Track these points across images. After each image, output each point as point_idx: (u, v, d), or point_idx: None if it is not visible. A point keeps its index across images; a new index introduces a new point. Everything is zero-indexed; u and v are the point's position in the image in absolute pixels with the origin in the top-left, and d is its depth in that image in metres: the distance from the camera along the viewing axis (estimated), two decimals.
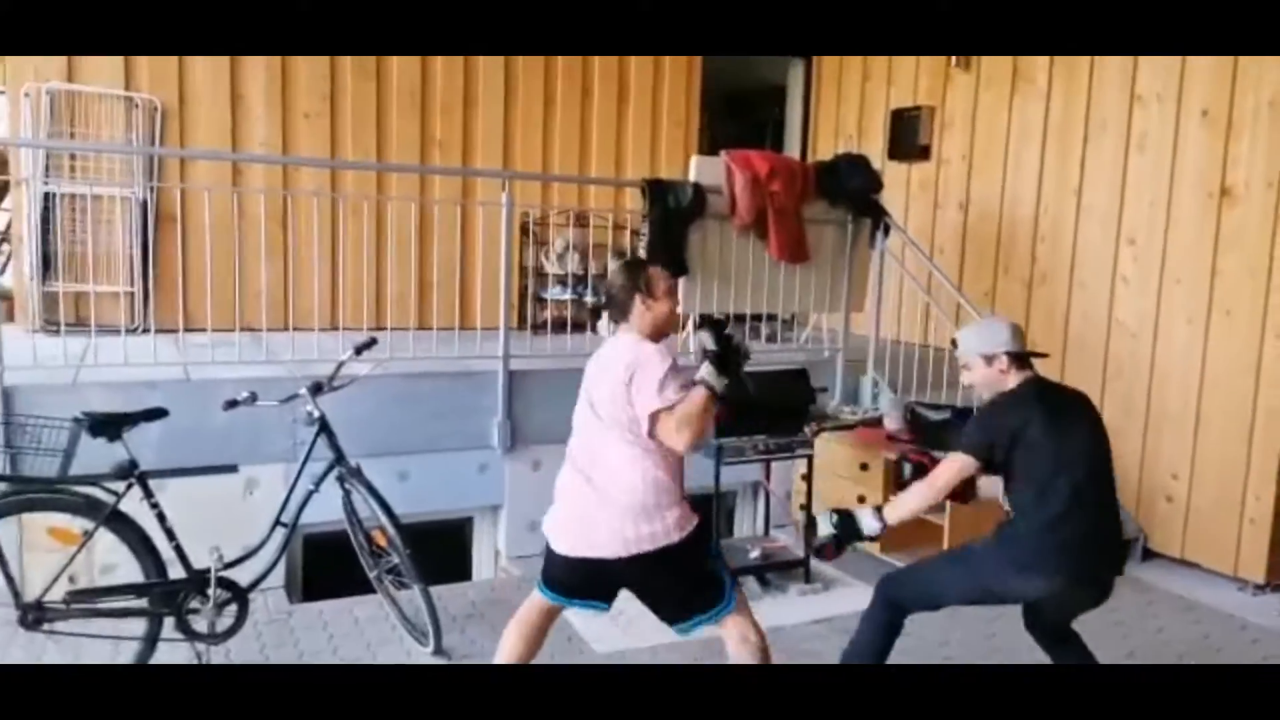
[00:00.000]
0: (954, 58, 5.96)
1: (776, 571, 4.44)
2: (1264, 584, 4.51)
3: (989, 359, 2.86)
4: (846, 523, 2.88)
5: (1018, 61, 5.65)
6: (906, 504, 2.89)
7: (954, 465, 2.83)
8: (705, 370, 2.57)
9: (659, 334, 2.68)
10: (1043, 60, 5.50)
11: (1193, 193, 4.79)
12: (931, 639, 3.86)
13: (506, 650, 2.77)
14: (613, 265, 2.64)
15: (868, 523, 2.86)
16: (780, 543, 4.67)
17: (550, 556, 2.76)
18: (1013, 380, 2.86)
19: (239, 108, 5.55)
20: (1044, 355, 3.07)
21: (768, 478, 4.80)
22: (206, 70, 5.47)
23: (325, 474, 3.49)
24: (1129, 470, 5.09)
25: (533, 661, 2.84)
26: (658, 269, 2.76)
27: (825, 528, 2.90)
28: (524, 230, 5.88)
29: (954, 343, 3.09)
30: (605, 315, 2.53)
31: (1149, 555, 4.98)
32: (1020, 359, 2.88)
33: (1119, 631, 4.13)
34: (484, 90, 6.12)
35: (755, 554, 4.46)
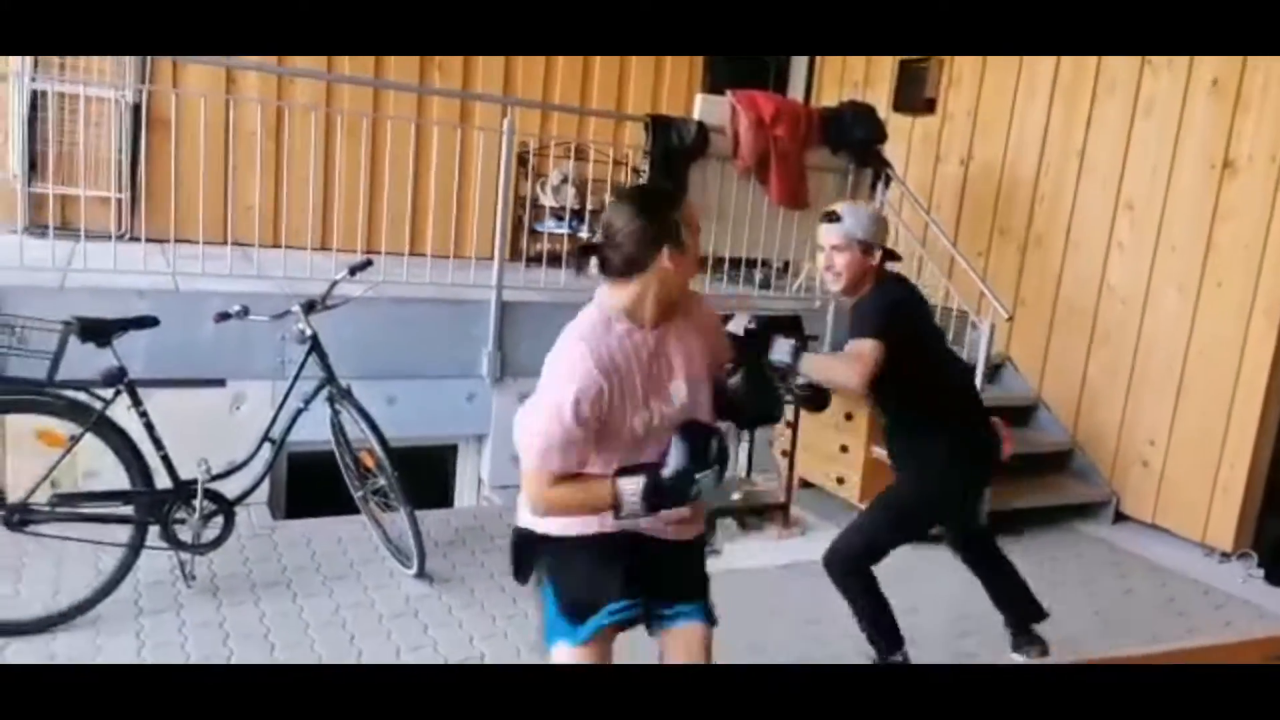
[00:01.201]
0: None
1: (757, 515, 4.50)
2: (1230, 551, 4.62)
3: (867, 248, 2.75)
4: (757, 341, 2.54)
5: None
6: (828, 366, 2.72)
7: (877, 349, 2.62)
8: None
9: (667, 301, 1.96)
10: None
11: (1195, 162, 4.78)
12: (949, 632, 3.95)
13: None
14: (623, 198, 2.05)
15: (779, 348, 2.59)
16: (761, 486, 4.73)
17: None
18: (871, 280, 2.80)
19: None
20: (899, 258, 2.94)
21: None
22: None
23: (315, 393, 3.49)
24: (1107, 434, 5.17)
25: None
26: (692, 204, 2.02)
27: (739, 322, 2.52)
28: (521, 160, 5.79)
29: (831, 215, 2.79)
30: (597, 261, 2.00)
31: (1120, 518, 5.08)
32: (890, 257, 2.85)
33: (1086, 590, 4.24)
34: None
35: (737, 496, 4.51)
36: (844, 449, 4.74)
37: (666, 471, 1.89)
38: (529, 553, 2.10)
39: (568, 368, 1.88)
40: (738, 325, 2.46)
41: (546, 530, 2.05)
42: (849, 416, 4.80)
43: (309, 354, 3.47)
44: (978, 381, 4.76)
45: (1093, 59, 5.24)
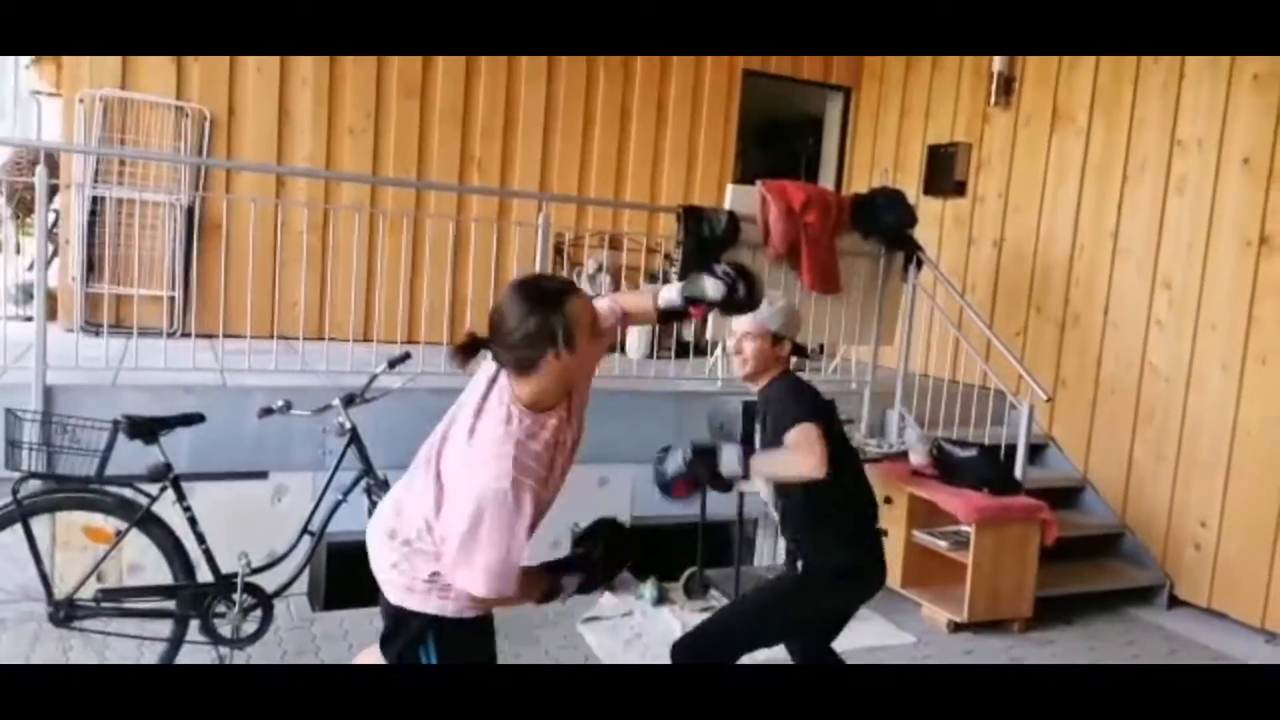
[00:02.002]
0: (993, 95, 5.96)
1: None
2: None
3: (777, 339, 2.78)
4: (704, 459, 2.48)
5: (1057, 100, 5.65)
6: (783, 463, 2.53)
7: (817, 428, 2.51)
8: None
9: (568, 388, 2.03)
10: (1083, 99, 5.49)
11: (1231, 239, 4.76)
12: None
13: None
14: (514, 291, 2.03)
15: (727, 460, 2.45)
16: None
17: None
18: (778, 369, 2.81)
19: (285, 122, 5.68)
20: (806, 355, 2.98)
21: None
22: (256, 83, 5.60)
23: (354, 484, 3.54)
24: (1158, 516, 5.03)
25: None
26: (584, 299, 2.01)
27: (676, 463, 2.51)
28: (558, 250, 5.94)
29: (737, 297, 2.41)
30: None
31: (1175, 603, 4.91)
32: (797, 351, 2.90)
33: None
34: (524, 112, 6.21)
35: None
36: (883, 533, 4.65)
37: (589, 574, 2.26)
38: (420, 633, 2.15)
39: (500, 493, 1.92)
40: (675, 463, 2.52)
41: (442, 612, 2.10)
42: (888, 500, 4.74)
43: (348, 446, 3.54)
44: (1018, 464, 4.70)
45: (1121, 139, 5.28)
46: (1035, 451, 5.30)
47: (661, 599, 4.44)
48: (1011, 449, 4.76)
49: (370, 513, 3.64)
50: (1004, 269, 5.97)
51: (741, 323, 2.76)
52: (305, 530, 3.48)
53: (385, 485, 3.56)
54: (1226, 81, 4.78)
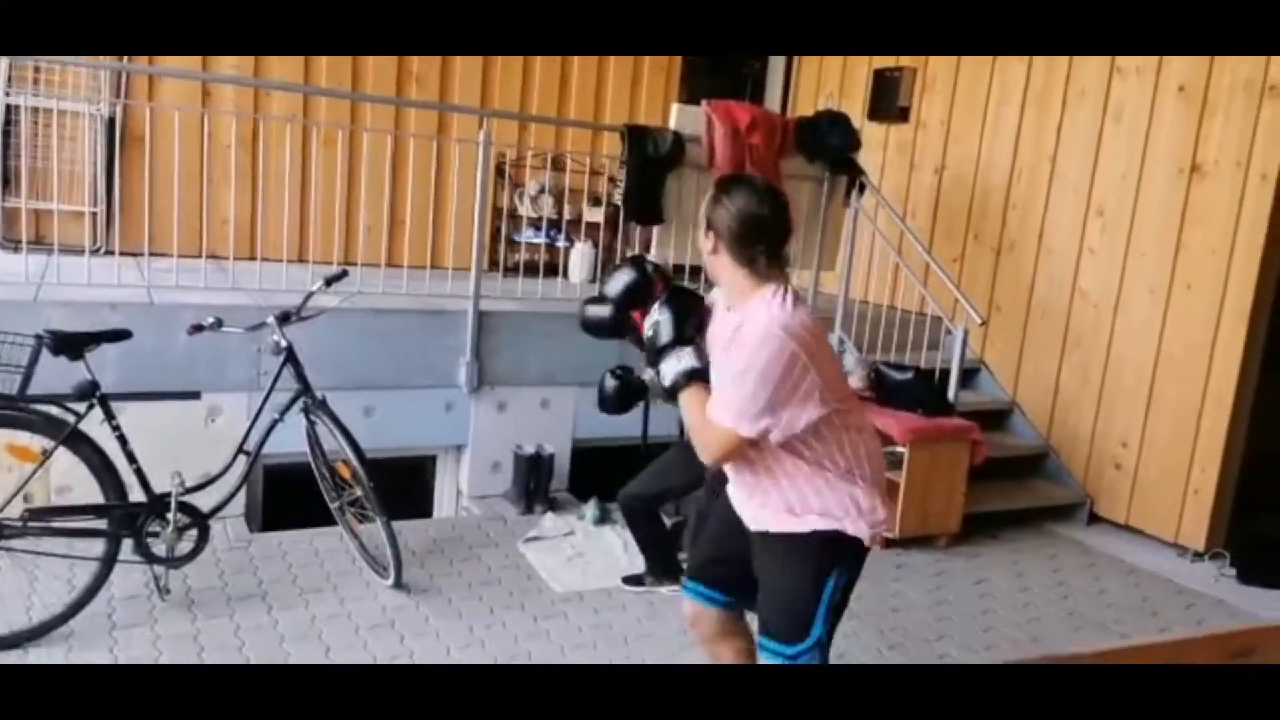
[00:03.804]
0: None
1: None
2: (1202, 551, 4.68)
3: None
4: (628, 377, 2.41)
5: None
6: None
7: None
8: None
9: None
10: None
11: (1164, 166, 4.85)
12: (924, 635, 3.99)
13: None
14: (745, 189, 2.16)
15: (669, 366, 2.16)
16: None
17: None
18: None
19: None
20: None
21: None
22: None
23: (290, 404, 3.49)
24: (1081, 437, 5.22)
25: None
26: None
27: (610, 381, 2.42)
28: (499, 171, 5.82)
29: None
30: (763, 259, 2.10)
31: (1095, 519, 5.13)
32: None
33: (1059, 590, 4.28)
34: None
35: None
36: None
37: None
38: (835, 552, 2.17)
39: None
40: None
41: (857, 533, 2.15)
42: None
43: (284, 365, 3.47)
44: (951, 387, 4.82)
45: (1063, 66, 5.31)
46: (968, 375, 5.43)
47: (603, 518, 4.50)
48: (946, 373, 4.87)
49: (308, 433, 3.60)
50: (944, 195, 6.03)
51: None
52: (240, 450, 3.43)
53: (323, 405, 3.52)
54: None
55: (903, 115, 6.25)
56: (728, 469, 2.28)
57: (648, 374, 2.32)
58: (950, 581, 4.23)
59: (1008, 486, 5.13)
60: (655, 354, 2.18)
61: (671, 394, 2.16)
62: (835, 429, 2.12)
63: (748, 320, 2.07)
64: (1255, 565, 4.46)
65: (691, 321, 2.20)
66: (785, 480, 2.15)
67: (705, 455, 2.12)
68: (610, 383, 2.42)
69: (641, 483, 3.78)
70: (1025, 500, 5.08)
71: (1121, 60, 5.04)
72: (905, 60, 6.22)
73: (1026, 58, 5.50)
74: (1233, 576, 4.48)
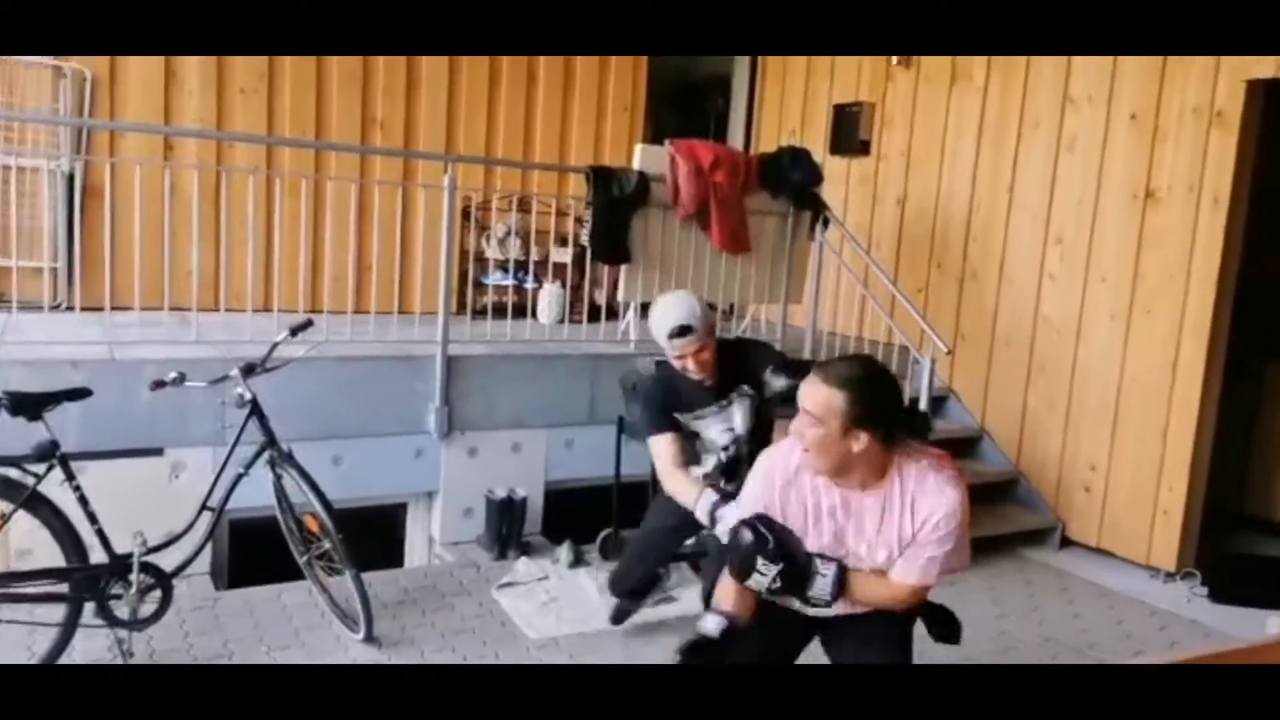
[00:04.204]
0: (895, 56, 6.04)
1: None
2: (1174, 572, 4.71)
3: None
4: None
5: (956, 59, 5.76)
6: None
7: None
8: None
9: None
10: (980, 58, 5.61)
11: (1119, 194, 4.95)
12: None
13: None
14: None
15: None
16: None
17: None
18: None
19: (171, 82, 5.41)
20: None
21: None
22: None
23: (255, 458, 3.44)
24: (1050, 462, 5.26)
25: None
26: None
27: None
28: (465, 214, 5.84)
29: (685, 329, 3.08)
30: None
31: (1066, 543, 5.16)
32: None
33: (1035, 615, 4.29)
34: (427, 72, 6.04)
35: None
36: None
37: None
38: None
39: None
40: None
41: None
42: None
43: (249, 418, 3.43)
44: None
45: (1016, 97, 5.43)
46: (937, 403, 5.48)
47: (577, 561, 4.46)
48: (915, 401, 4.90)
49: (275, 486, 3.56)
50: (907, 226, 6.11)
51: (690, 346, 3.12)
52: (204, 507, 3.37)
53: (289, 458, 3.49)
54: None
55: (864, 149, 6.34)
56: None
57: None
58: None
59: (980, 513, 5.09)
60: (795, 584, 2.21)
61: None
62: None
63: (917, 493, 2.17)
64: (1226, 584, 4.50)
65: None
66: None
67: (901, 608, 2.31)
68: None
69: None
70: (998, 526, 5.10)
71: (1074, 90, 5.16)
72: (864, 95, 6.33)
73: (980, 92, 5.61)
74: (1204, 596, 4.51)
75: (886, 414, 2.12)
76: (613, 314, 5.75)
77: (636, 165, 5.13)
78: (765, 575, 2.14)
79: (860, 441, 2.08)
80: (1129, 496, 4.90)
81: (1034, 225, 5.35)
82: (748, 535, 2.15)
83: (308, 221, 4.71)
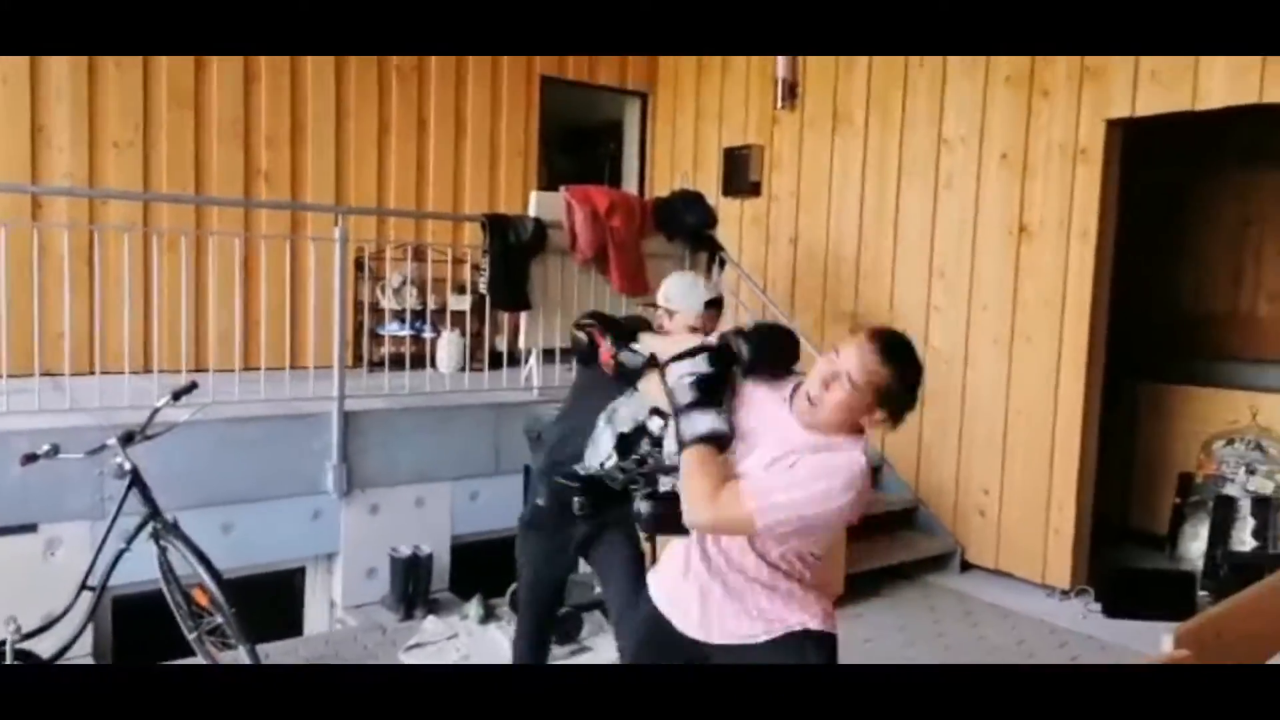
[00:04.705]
0: (779, 99, 6.22)
1: None
2: (1069, 590, 4.89)
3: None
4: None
5: (837, 103, 5.97)
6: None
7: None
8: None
9: None
10: (860, 101, 5.83)
11: (995, 228, 5.19)
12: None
13: None
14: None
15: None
16: None
17: None
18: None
19: (39, 137, 5.15)
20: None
21: None
22: (2, 95, 5.05)
23: (138, 531, 3.27)
24: (946, 488, 5.43)
25: None
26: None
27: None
28: (358, 265, 5.71)
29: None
30: None
31: (966, 567, 5.31)
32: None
33: (942, 641, 4.38)
34: (312, 120, 5.92)
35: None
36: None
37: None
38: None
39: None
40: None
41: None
42: None
43: (129, 489, 3.26)
44: None
45: (895, 139, 5.65)
46: None
47: (488, 616, 4.35)
48: None
49: (160, 560, 3.37)
50: (800, 264, 6.26)
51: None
52: (84, 585, 3.18)
53: (174, 528, 3.31)
54: (983, 83, 5.21)
55: (755, 190, 6.49)
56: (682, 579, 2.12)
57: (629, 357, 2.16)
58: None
59: (884, 542, 5.25)
60: (689, 404, 1.99)
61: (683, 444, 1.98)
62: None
63: (833, 450, 1.94)
64: (1118, 599, 4.69)
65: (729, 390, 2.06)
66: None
67: (698, 514, 1.94)
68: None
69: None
70: (901, 554, 5.22)
71: (947, 131, 5.40)
72: (752, 137, 6.50)
73: (861, 134, 5.83)
74: (1099, 612, 4.69)
75: (910, 404, 1.99)
76: (515, 360, 5.70)
77: (533, 212, 5.13)
78: (704, 368, 2.01)
79: (876, 417, 1.96)
80: (1022, 518, 5.08)
81: (918, 260, 5.56)
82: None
83: (189, 278, 4.53)
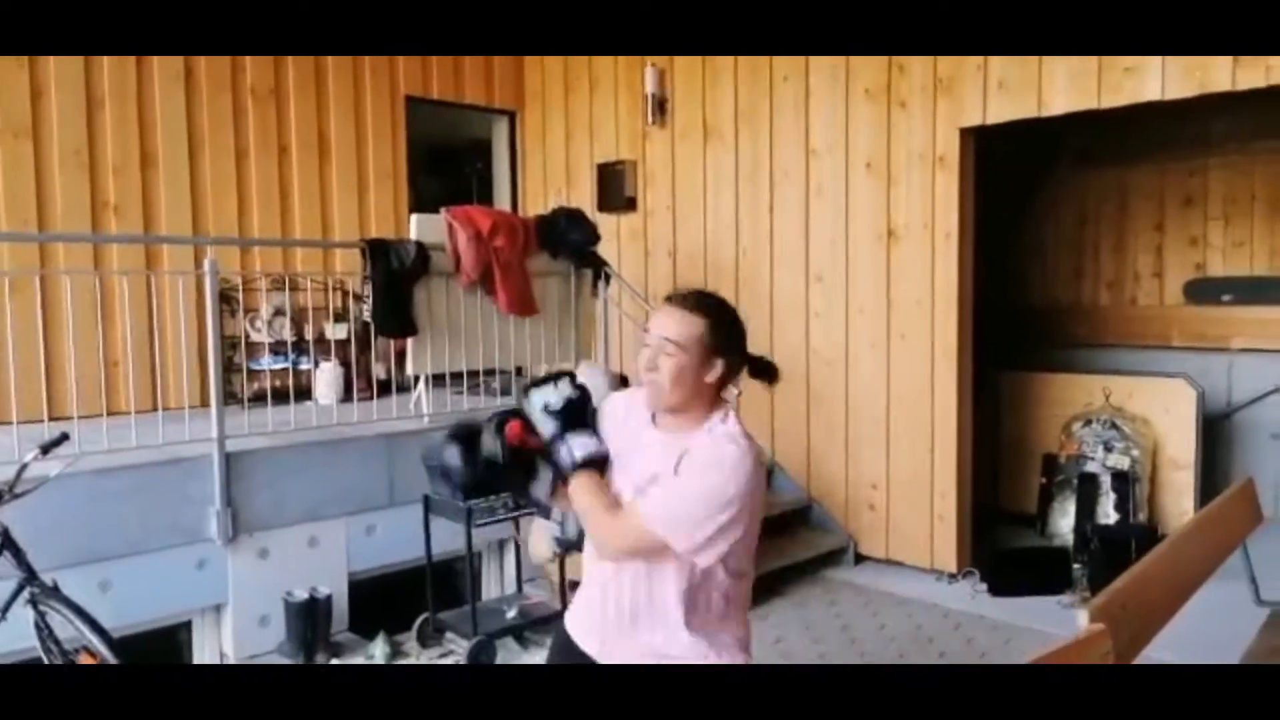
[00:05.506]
0: (649, 115, 6.31)
1: (535, 628, 4.38)
2: (955, 573, 5.15)
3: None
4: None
5: (706, 117, 6.11)
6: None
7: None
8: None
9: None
10: (728, 115, 5.99)
11: (866, 233, 5.43)
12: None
13: None
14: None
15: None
16: (535, 598, 4.62)
17: None
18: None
19: None
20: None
21: (518, 530, 4.77)
22: None
23: (13, 597, 2.99)
24: (836, 485, 5.62)
25: None
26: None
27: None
28: (224, 298, 5.41)
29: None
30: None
31: (860, 559, 5.51)
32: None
33: (846, 634, 4.52)
34: (163, 148, 5.57)
35: (513, 613, 4.38)
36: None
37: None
38: None
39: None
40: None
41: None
42: None
43: (1, 553, 2.97)
44: None
45: (765, 149, 5.83)
46: None
47: (395, 654, 4.20)
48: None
49: (38, 625, 3.09)
50: (680, 275, 6.35)
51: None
52: None
53: (54, 591, 3.04)
54: (844, 96, 5.45)
55: (630, 205, 6.56)
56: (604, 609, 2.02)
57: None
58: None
59: (782, 542, 5.39)
60: (555, 435, 1.98)
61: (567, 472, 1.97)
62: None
63: (699, 446, 1.92)
64: (1002, 578, 4.97)
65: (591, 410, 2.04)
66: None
67: (614, 545, 1.93)
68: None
69: None
70: (798, 552, 5.36)
71: (814, 142, 5.62)
72: (625, 153, 6.56)
73: (732, 147, 5.98)
74: (985, 592, 4.96)
75: (739, 342, 2.01)
76: (402, 388, 5.54)
77: (414, 235, 5.02)
78: (566, 392, 2.02)
79: (715, 370, 1.95)
80: (908, 508, 5.32)
81: (795, 266, 5.75)
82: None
83: (40, 321, 4.19)
